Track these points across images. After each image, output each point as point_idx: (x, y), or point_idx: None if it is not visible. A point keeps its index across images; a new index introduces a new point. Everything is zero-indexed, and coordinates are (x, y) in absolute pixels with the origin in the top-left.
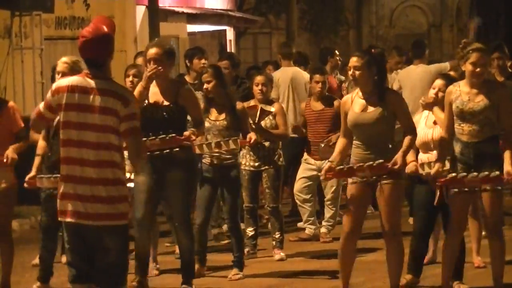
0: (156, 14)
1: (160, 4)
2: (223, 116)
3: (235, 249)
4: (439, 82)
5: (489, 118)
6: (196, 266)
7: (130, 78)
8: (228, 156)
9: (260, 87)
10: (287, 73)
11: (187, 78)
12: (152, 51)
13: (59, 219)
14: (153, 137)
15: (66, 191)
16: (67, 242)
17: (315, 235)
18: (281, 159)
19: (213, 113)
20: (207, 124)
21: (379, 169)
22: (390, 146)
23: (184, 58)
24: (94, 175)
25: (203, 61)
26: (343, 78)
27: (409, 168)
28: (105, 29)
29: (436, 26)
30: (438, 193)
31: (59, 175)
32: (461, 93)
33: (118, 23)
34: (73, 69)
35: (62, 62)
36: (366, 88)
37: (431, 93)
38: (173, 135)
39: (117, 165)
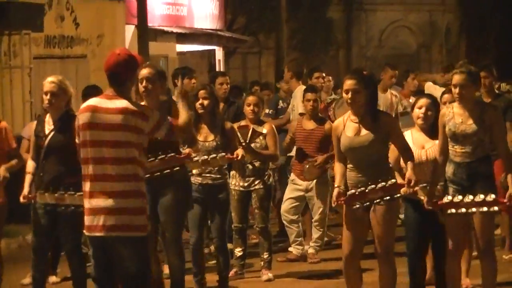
0: (145, 34)
1: (150, 24)
2: (212, 137)
3: (222, 268)
4: (425, 101)
5: (482, 140)
6: None
7: None
8: (217, 176)
9: (252, 107)
10: None
11: (174, 98)
12: (145, 71)
13: (85, 233)
14: (152, 158)
15: (91, 206)
16: (92, 256)
17: (303, 255)
18: (271, 179)
19: (202, 133)
20: None
21: (391, 189)
22: (386, 166)
23: (173, 77)
24: (117, 188)
25: (193, 81)
26: (329, 99)
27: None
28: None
29: (426, 47)
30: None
31: (63, 192)
32: (454, 115)
33: (108, 43)
34: (60, 88)
35: (49, 82)
36: (360, 111)
37: (418, 112)
38: (172, 154)
39: (140, 178)
